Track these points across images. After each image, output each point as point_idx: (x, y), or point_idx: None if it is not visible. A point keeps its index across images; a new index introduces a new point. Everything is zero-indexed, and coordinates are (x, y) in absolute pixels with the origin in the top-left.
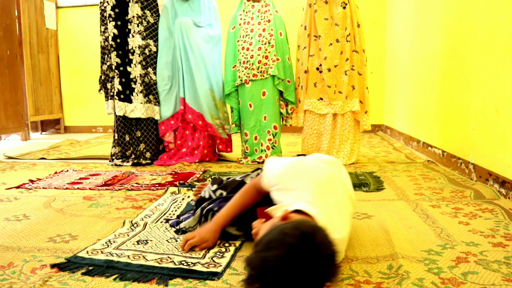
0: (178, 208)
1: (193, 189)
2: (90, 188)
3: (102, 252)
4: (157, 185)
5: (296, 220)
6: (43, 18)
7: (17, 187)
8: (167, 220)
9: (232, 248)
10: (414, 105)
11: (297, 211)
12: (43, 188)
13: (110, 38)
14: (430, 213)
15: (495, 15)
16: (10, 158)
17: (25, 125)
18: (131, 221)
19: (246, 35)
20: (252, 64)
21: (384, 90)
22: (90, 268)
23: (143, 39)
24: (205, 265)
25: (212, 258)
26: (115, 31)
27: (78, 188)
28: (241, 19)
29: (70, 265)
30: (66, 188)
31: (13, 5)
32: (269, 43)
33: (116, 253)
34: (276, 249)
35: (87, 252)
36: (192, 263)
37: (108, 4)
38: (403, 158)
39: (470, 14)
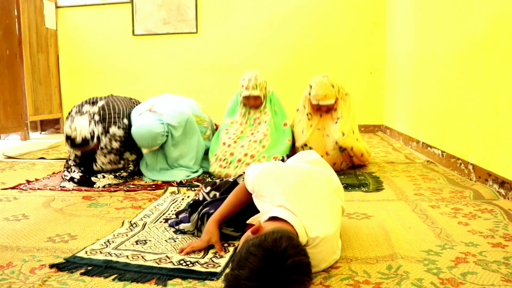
0: (177, 208)
1: (193, 189)
2: (86, 190)
3: (101, 252)
4: (153, 186)
5: (262, 234)
6: (43, 17)
7: (13, 188)
8: (166, 220)
9: (231, 249)
10: (414, 105)
11: (272, 218)
12: (38, 189)
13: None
14: (429, 214)
15: (494, 15)
16: (9, 157)
17: (24, 124)
18: (130, 221)
19: (234, 134)
20: (230, 163)
21: (384, 90)
22: (89, 268)
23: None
24: (204, 265)
25: (211, 259)
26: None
27: (73, 190)
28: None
29: (69, 265)
30: (61, 190)
31: (13, 5)
32: (260, 142)
33: (115, 253)
34: (244, 268)
35: (86, 252)
36: (191, 262)
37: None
38: (402, 159)
39: (470, 15)
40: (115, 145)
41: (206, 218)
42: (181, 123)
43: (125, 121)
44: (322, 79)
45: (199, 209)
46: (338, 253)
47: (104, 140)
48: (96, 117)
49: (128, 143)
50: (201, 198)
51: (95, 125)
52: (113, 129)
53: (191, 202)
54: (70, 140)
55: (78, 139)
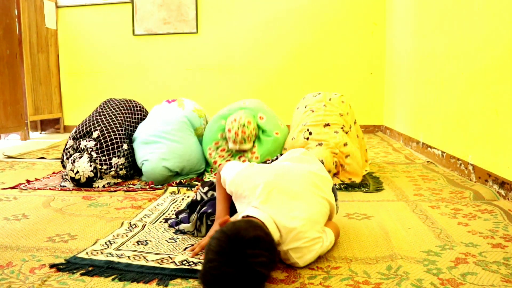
0: (177, 208)
1: (193, 189)
2: (86, 190)
3: (102, 253)
4: (153, 186)
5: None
6: (43, 17)
7: (13, 187)
8: (166, 220)
9: None
10: (414, 105)
11: (245, 217)
12: (38, 189)
13: None
14: (429, 214)
15: (494, 15)
16: (9, 157)
17: (24, 124)
18: (129, 222)
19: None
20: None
21: (384, 91)
22: (90, 268)
23: None
24: None
25: None
26: None
27: (73, 190)
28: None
29: (70, 266)
30: (61, 190)
31: (13, 5)
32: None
33: (116, 254)
34: (208, 253)
35: (87, 253)
36: (193, 263)
37: None
38: (402, 159)
39: (470, 15)
40: (122, 172)
41: (205, 218)
42: (181, 166)
43: (125, 146)
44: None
45: (197, 209)
46: (327, 244)
47: (110, 172)
48: (94, 154)
49: (132, 162)
50: (199, 198)
51: (96, 161)
52: (115, 160)
53: (190, 202)
54: (75, 180)
55: (83, 180)
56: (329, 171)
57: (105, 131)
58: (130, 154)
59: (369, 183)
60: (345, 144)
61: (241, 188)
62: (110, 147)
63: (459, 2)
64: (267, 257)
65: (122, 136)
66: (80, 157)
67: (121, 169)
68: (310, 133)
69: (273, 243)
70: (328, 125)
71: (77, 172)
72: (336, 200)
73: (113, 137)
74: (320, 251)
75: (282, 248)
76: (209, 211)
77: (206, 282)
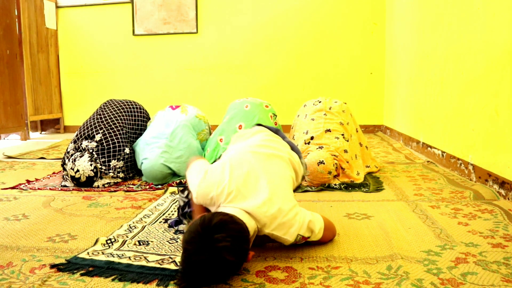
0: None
1: None
2: (86, 190)
3: (103, 253)
4: (153, 186)
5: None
6: (43, 17)
7: (13, 188)
8: (166, 220)
9: None
10: (414, 105)
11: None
12: (38, 189)
13: None
14: (429, 214)
15: (494, 16)
16: (9, 157)
17: (24, 124)
18: (129, 224)
19: None
20: None
21: (384, 91)
22: (90, 269)
23: None
24: None
25: None
26: None
27: (73, 190)
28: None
29: (71, 266)
30: (61, 190)
31: (13, 5)
32: None
33: (117, 254)
34: (183, 240)
35: (88, 253)
36: None
37: None
38: (402, 159)
39: (470, 15)
40: (121, 174)
41: (188, 217)
42: (181, 166)
43: (126, 150)
44: (318, 168)
45: (185, 211)
46: (310, 218)
47: (108, 173)
48: (95, 155)
49: (132, 164)
50: (181, 204)
51: (97, 161)
52: (114, 163)
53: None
54: (75, 179)
55: (83, 179)
56: (330, 172)
57: (107, 135)
58: (130, 158)
59: (369, 183)
60: (345, 151)
61: (207, 199)
62: (112, 150)
63: (459, 2)
64: (231, 241)
65: (124, 139)
66: (81, 156)
67: (119, 172)
68: (312, 138)
69: (242, 230)
70: (329, 130)
71: (77, 171)
72: (300, 157)
73: (115, 141)
74: (302, 220)
75: (266, 231)
76: (189, 210)
77: (182, 272)
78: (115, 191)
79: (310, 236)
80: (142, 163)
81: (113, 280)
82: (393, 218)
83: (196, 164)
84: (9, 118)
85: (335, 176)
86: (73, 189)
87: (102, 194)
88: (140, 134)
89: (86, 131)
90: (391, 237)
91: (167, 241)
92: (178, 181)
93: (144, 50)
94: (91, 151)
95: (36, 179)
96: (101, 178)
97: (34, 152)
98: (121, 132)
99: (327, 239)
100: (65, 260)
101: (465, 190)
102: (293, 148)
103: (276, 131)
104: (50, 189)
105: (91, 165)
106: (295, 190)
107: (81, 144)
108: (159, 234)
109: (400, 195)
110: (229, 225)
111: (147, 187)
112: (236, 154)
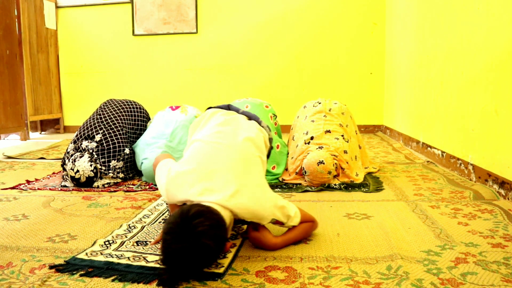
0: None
1: None
2: (86, 190)
3: (101, 254)
4: (153, 186)
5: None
6: (43, 17)
7: (13, 188)
8: (165, 221)
9: (233, 249)
10: (414, 105)
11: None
12: (38, 189)
13: None
14: (429, 214)
15: (494, 16)
16: (9, 157)
17: (24, 124)
18: (128, 224)
19: None
20: None
21: (384, 91)
22: (90, 270)
23: None
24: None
25: None
26: None
27: (73, 190)
28: None
29: (69, 267)
30: (61, 190)
31: (13, 5)
32: None
33: (116, 255)
34: (163, 242)
35: (87, 254)
36: None
37: None
38: (402, 159)
39: (470, 15)
40: (120, 175)
41: None
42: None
43: (126, 151)
44: (317, 168)
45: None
46: (272, 199)
47: (108, 174)
48: (95, 155)
49: (132, 165)
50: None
51: (96, 162)
52: (113, 163)
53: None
54: (75, 180)
55: (83, 179)
56: (329, 172)
57: (107, 135)
58: (130, 159)
59: (369, 183)
60: (345, 152)
61: (177, 200)
62: (112, 150)
63: (459, 2)
64: (209, 226)
65: (124, 139)
66: (80, 157)
67: (118, 172)
68: (312, 138)
69: (219, 219)
70: (329, 131)
71: (77, 171)
72: (260, 123)
73: (115, 141)
74: (273, 204)
75: (265, 222)
76: None
77: (163, 262)
78: (115, 191)
79: (287, 221)
80: (142, 163)
81: (113, 280)
82: (393, 218)
83: (161, 165)
84: (9, 118)
85: (335, 176)
86: (73, 189)
87: (102, 194)
88: (140, 134)
89: (86, 131)
90: (391, 237)
91: None
92: None
93: (144, 50)
94: (91, 151)
95: (36, 179)
96: (101, 178)
97: (34, 152)
98: (121, 132)
99: (309, 228)
100: (64, 261)
101: (465, 190)
102: (250, 117)
103: (227, 107)
104: (50, 189)
105: (91, 165)
106: (268, 155)
107: (81, 144)
108: (159, 234)
109: (400, 195)
110: (206, 214)
111: (147, 187)
112: (198, 149)
